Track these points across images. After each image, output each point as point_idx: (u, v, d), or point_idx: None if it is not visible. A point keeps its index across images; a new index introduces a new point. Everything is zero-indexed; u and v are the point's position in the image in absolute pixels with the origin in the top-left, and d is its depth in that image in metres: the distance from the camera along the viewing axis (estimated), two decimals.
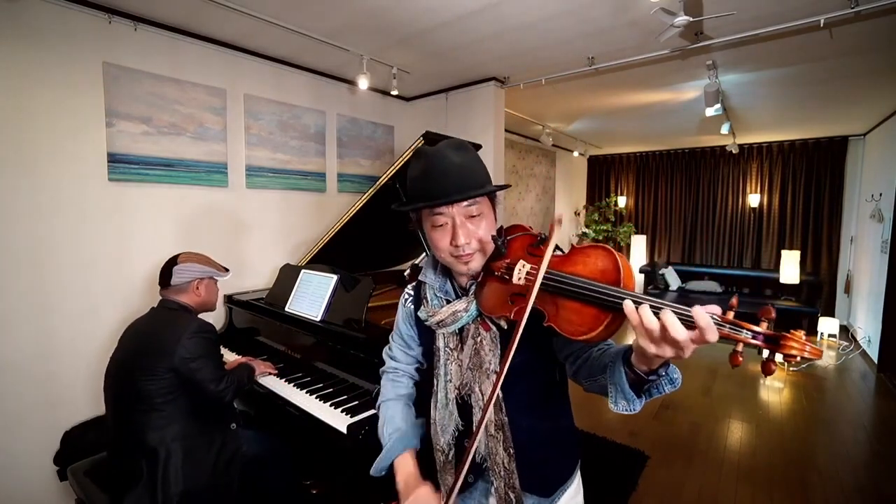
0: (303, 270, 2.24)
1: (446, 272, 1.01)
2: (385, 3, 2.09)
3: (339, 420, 1.56)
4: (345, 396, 1.72)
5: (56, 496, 2.07)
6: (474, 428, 0.89)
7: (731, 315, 0.58)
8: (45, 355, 2.02)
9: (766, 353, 0.57)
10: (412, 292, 1.09)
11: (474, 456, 0.93)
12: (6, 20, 1.84)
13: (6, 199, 1.88)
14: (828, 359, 4.63)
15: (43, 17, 1.93)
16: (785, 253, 5.48)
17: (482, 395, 0.91)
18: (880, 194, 4.47)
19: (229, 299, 2.55)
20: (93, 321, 2.14)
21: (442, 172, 0.85)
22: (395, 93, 3.10)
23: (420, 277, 1.04)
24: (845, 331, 5.46)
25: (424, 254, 2.08)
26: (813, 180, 5.80)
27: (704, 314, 0.55)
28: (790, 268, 5.30)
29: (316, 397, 1.74)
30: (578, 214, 7.54)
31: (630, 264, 0.70)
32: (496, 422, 0.91)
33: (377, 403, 1.12)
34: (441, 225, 0.88)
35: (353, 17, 2.25)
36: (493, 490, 0.93)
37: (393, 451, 0.99)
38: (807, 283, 5.54)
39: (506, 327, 0.89)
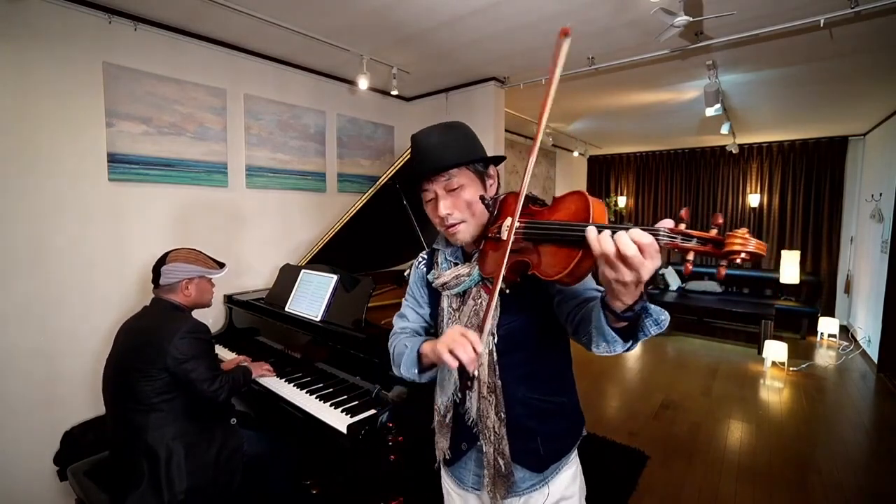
0: (303, 270, 2.24)
1: None
2: (385, 3, 2.09)
3: (339, 420, 1.56)
4: (345, 396, 1.72)
5: (56, 496, 2.07)
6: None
7: (682, 227, 0.60)
8: (45, 355, 2.02)
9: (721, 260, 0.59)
10: (426, 256, 1.15)
11: (466, 420, 0.97)
12: (6, 20, 1.84)
13: (7, 199, 1.88)
14: (828, 359, 4.63)
15: (43, 17, 1.93)
16: (785, 253, 5.48)
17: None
18: (880, 194, 4.47)
19: (229, 299, 2.55)
20: (93, 321, 2.14)
21: (422, 152, 0.95)
22: (395, 93, 3.10)
23: (435, 245, 1.10)
24: (845, 331, 5.46)
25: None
26: (813, 180, 5.79)
27: (638, 230, 0.60)
28: (790, 268, 5.30)
29: (316, 397, 1.74)
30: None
31: (602, 204, 0.73)
32: (489, 384, 0.94)
33: (391, 344, 1.09)
34: (430, 200, 0.98)
35: (353, 17, 2.25)
36: (483, 457, 0.95)
37: (417, 342, 0.98)
38: (807, 283, 5.53)
39: (507, 291, 0.91)
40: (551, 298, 0.92)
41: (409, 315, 1.15)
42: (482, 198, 0.92)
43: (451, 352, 0.79)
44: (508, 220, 0.86)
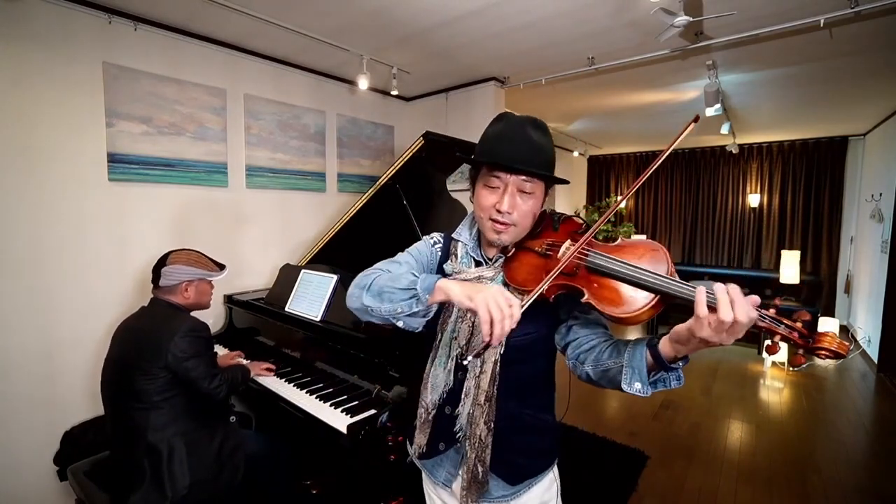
0: (303, 270, 2.24)
1: (479, 238, 1.03)
2: (385, 3, 2.09)
3: (339, 420, 1.56)
4: (345, 396, 1.72)
5: (56, 496, 2.07)
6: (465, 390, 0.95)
7: (772, 311, 0.66)
8: (45, 355, 2.02)
9: (798, 350, 0.67)
10: (441, 240, 1.08)
11: (454, 425, 0.97)
12: (6, 20, 1.84)
13: (7, 199, 1.88)
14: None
15: (43, 17, 1.93)
16: (785, 253, 5.47)
17: (480, 361, 0.95)
18: (880, 194, 4.47)
19: (229, 299, 2.55)
20: (93, 321, 2.14)
21: (516, 140, 0.88)
22: (395, 93, 3.10)
23: (454, 235, 1.05)
24: (845, 331, 5.45)
25: None
26: (813, 180, 5.79)
27: (747, 306, 0.63)
28: (790, 268, 5.30)
29: (316, 397, 1.74)
30: (578, 215, 7.54)
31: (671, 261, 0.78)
32: (486, 393, 0.94)
33: (371, 279, 0.93)
34: (494, 187, 0.90)
35: (353, 17, 2.25)
36: (462, 461, 0.96)
37: (430, 276, 0.86)
38: (807, 283, 5.53)
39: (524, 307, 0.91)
40: (558, 319, 0.94)
41: (404, 265, 1.00)
42: (551, 213, 0.93)
43: (489, 311, 0.72)
44: (567, 243, 0.88)
